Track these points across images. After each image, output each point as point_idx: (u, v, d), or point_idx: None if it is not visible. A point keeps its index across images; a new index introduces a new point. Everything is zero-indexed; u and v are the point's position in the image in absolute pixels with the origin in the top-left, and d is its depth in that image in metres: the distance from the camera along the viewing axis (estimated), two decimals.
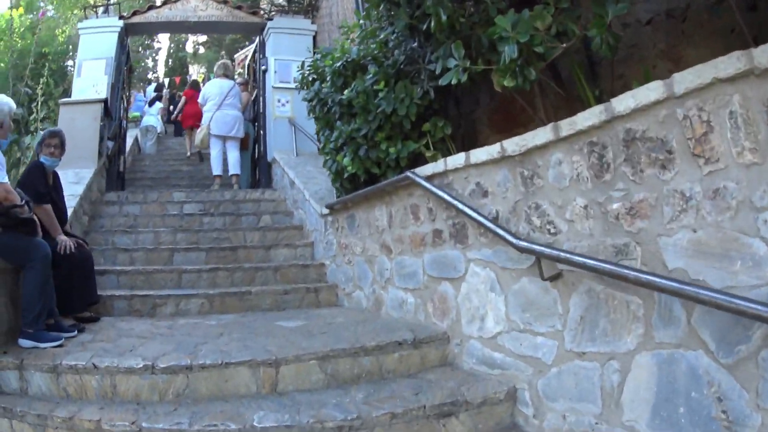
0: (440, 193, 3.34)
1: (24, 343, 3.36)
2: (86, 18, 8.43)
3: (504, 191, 2.98)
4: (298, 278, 5.64)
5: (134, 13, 8.61)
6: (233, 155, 8.52)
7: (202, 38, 30.71)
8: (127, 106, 9.72)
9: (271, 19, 8.85)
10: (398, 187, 4.09)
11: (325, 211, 5.60)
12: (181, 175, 10.90)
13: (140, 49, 24.38)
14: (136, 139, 12.92)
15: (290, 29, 8.76)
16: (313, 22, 9.09)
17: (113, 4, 8.70)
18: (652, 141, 2.14)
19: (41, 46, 9.02)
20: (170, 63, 30.21)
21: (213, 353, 3.19)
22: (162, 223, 6.74)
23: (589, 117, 2.38)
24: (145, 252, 5.83)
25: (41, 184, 4.11)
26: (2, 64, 8.57)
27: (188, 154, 11.38)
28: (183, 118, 12.20)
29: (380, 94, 4.15)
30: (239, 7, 8.92)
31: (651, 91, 2.09)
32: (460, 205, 3.12)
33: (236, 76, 10.72)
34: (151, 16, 8.66)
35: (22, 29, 9.28)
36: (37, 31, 8.88)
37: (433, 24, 3.38)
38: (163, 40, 29.77)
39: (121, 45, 8.47)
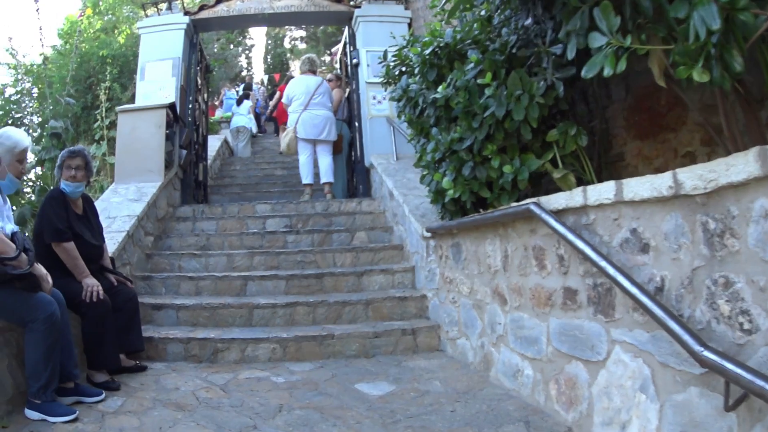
0: (578, 242, 2.52)
1: (31, 414, 3.07)
2: (146, 16, 8.26)
3: (675, 249, 2.13)
4: (393, 314, 5.10)
5: (201, 8, 8.25)
6: (325, 161, 8.09)
7: (299, 32, 31.20)
8: (207, 108, 9.55)
9: (359, 7, 8.29)
10: (516, 219, 3.33)
11: (427, 233, 4.94)
12: (273, 180, 10.81)
13: (231, 45, 24.88)
14: (226, 141, 12.96)
15: (381, 17, 8.20)
16: (406, 8, 8.50)
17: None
18: None
19: (99, 49, 9.02)
20: (269, 60, 30.91)
21: None
22: (239, 244, 6.42)
23: None
24: (213, 281, 5.50)
25: (59, 217, 3.82)
26: (63, 71, 8.65)
27: (280, 150, 11.16)
28: (278, 115, 12.11)
29: (487, 91, 3.38)
30: None
31: None
32: (610, 268, 2.28)
33: (330, 73, 10.33)
34: (221, 10, 8.28)
35: (90, 32, 9.40)
36: (76, 34, 8.87)
37: None
38: (259, 36, 30.47)
39: (191, 43, 8.23)
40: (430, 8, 3.86)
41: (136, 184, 6.46)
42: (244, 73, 25.46)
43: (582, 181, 3.21)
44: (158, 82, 7.54)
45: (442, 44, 3.90)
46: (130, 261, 5.48)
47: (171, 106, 7.10)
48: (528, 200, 3.06)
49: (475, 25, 3.72)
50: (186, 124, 7.83)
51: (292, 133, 8.01)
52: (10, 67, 9.49)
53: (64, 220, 3.82)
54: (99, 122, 7.57)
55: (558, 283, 2.95)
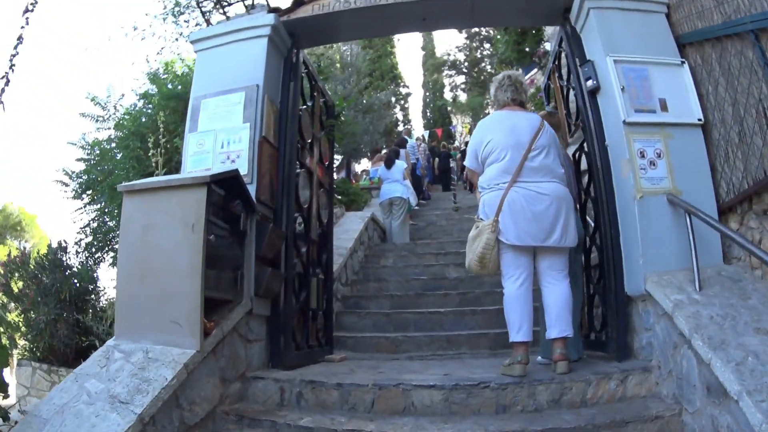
0: None
1: None
2: (208, 24, 4.91)
3: None
4: None
5: (299, 3, 4.59)
6: (559, 291, 3.56)
7: (460, 77, 27.85)
8: (332, 177, 5.77)
9: None
10: None
11: None
12: (443, 287, 6.49)
13: (380, 93, 20.91)
14: (373, 220, 9.18)
15: (623, 1, 4.14)
16: None
17: None
18: None
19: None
20: (428, 114, 27.88)
21: None
22: None
23: None
24: None
25: None
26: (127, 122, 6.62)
27: (466, 264, 6.52)
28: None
29: None
30: None
31: None
32: None
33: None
34: (335, 2, 4.52)
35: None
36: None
37: None
38: (415, 86, 27.83)
39: (285, 62, 4.57)
40: None
41: (147, 345, 2.98)
42: (400, 127, 22.10)
43: None
44: (220, 132, 4.01)
45: None
46: None
47: (230, 180, 3.47)
48: None
49: None
50: (280, 212, 4.14)
51: (488, 234, 3.49)
52: (96, 120, 7.71)
53: None
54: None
55: None
